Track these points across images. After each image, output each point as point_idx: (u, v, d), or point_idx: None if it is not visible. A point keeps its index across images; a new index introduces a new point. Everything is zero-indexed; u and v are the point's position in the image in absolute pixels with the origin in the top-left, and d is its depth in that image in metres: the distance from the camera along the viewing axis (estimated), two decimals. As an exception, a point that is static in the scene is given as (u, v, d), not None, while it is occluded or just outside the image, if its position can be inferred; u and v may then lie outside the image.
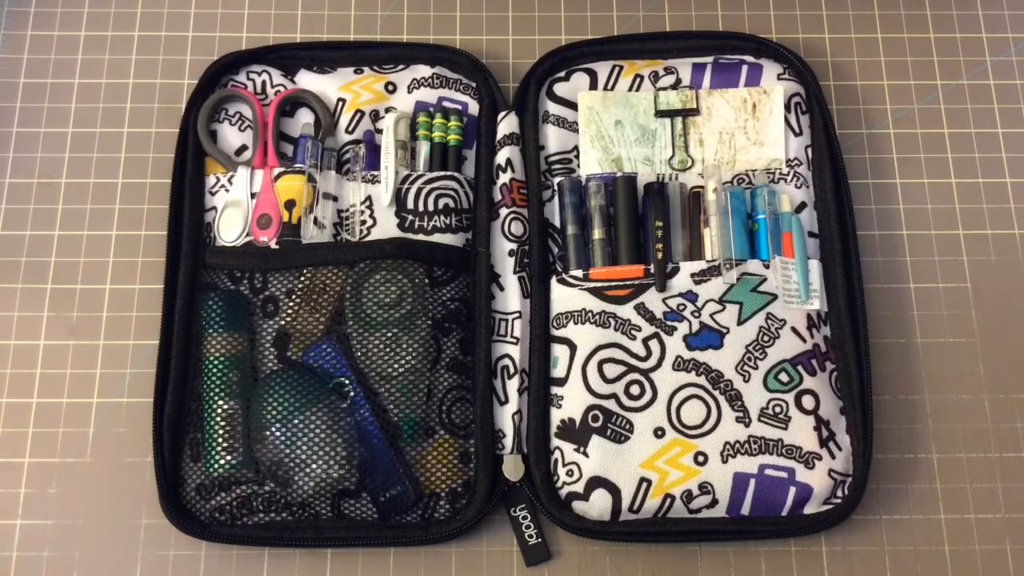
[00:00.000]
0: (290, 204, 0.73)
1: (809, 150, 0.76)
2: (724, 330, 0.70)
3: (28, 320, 0.75)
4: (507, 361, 0.71)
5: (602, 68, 0.78)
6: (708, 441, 0.68)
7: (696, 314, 0.70)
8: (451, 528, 0.68)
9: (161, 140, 0.79)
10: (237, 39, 0.82)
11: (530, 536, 0.69)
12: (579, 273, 0.72)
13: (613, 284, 0.71)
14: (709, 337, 0.70)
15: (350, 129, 0.76)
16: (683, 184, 0.75)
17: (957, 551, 0.70)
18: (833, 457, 0.68)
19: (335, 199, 0.74)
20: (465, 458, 0.70)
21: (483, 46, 0.82)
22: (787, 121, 0.76)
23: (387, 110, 0.77)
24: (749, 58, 0.78)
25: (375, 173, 0.74)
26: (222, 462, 0.68)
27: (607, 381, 0.69)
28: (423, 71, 0.78)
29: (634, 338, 0.70)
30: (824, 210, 0.74)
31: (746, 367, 0.69)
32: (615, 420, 0.69)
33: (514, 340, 0.71)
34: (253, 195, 0.73)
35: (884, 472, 0.71)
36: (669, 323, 0.70)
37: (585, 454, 0.68)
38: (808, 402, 0.69)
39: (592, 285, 0.71)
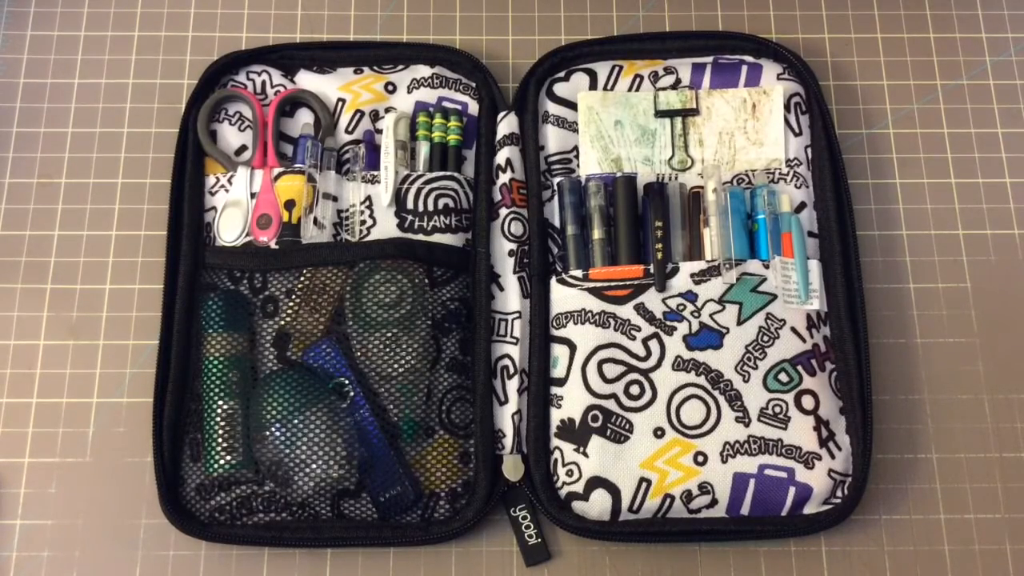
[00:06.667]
0: (290, 204, 0.73)
1: (809, 150, 0.76)
2: (724, 330, 0.70)
3: (28, 320, 0.75)
4: (507, 361, 0.71)
5: (602, 68, 0.78)
6: (708, 441, 0.68)
7: (696, 314, 0.70)
8: (451, 528, 0.68)
9: (161, 140, 0.79)
10: (237, 39, 0.82)
11: (530, 536, 0.69)
12: (579, 273, 0.72)
13: (613, 284, 0.71)
14: (709, 337, 0.70)
15: (350, 129, 0.76)
16: (683, 184, 0.75)
17: (957, 551, 0.70)
18: (833, 457, 0.68)
19: (335, 199, 0.74)
20: (465, 458, 0.70)
21: (483, 46, 0.82)
22: (787, 121, 0.76)
23: (387, 110, 0.77)
24: (749, 58, 0.78)
25: (375, 173, 0.74)
26: (222, 462, 0.68)
27: (607, 381, 0.69)
28: (423, 71, 0.78)
29: (634, 338, 0.70)
30: (824, 210, 0.74)
31: (746, 367, 0.69)
32: (615, 420, 0.69)
33: (514, 340, 0.71)
34: (253, 195, 0.74)
35: (884, 472, 0.71)
36: (669, 323, 0.70)
37: (585, 454, 0.68)
38: (808, 402, 0.69)
39: (592, 285, 0.71)
